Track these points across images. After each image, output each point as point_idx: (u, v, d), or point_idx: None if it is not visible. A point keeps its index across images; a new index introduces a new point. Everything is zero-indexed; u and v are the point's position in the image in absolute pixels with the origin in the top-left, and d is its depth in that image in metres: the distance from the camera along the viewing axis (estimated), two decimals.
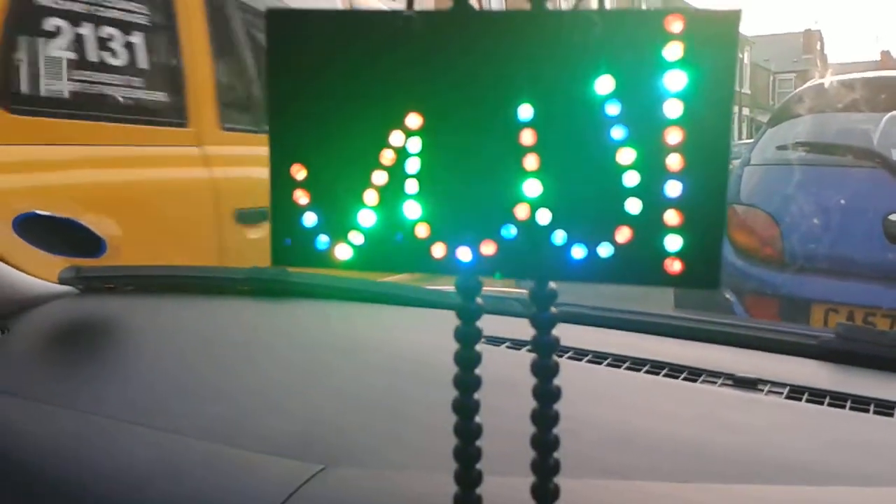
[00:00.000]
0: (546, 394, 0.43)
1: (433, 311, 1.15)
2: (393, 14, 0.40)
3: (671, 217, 0.40)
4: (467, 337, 0.44)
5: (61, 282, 1.33)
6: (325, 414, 0.84)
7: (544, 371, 0.43)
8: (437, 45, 0.40)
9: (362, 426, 0.81)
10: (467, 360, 0.44)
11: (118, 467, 0.77)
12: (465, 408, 0.45)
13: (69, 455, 0.79)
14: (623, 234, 0.40)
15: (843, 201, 2.90)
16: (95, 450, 0.80)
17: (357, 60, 0.41)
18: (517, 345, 1.02)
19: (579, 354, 0.99)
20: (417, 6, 0.42)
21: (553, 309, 0.44)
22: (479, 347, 0.46)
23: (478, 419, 0.47)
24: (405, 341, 1.08)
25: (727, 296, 3.04)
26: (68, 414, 0.87)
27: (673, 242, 0.40)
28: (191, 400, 0.90)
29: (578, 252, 0.40)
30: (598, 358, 0.99)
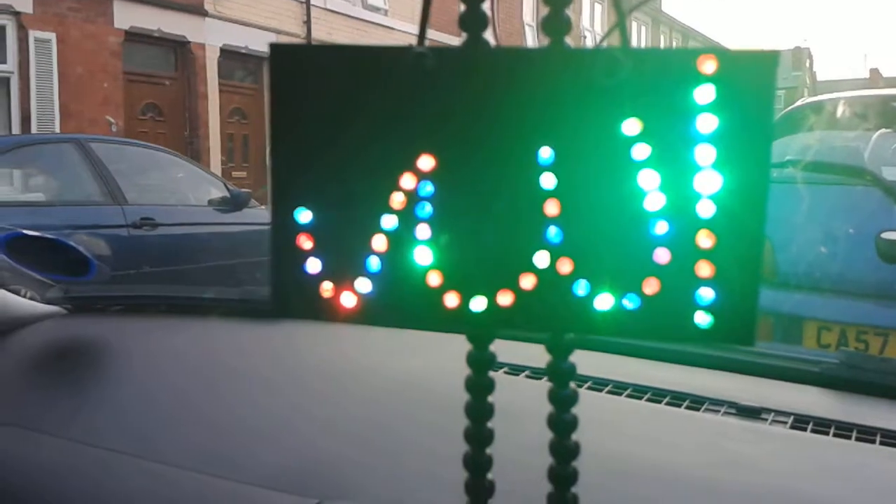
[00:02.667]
0: (564, 449, 0.41)
1: (438, 333, 1.12)
2: (404, 50, 0.38)
3: (703, 268, 0.37)
4: (479, 388, 0.42)
5: (48, 302, 1.30)
6: (320, 446, 0.81)
7: (563, 427, 0.41)
8: (451, 84, 0.38)
9: (359, 459, 0.78)
10: (479, 413, 0.42)
11: (108, 499, 0.74)
12: (478, 462, 0.42)
13: (57, 486, 0.77)
14: (651, 286, 0.37)
15: (835, 219, 2.90)
16: (84, 480, 0.78)
17: (365, 99, 0.39)
18: (537, 374, 0.99)
19: (579, 381, 0.96)
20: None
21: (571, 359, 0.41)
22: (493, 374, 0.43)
23: (489, 451, 0.44)
24: (407, 366, 1.05)
25: None
26: (56, 442, 0.85)
27: (704, 295, 0.37)
28: (182, 430, 0.87)
29: (602, 304, 0.38)
30: (599, 385, 0.97)
